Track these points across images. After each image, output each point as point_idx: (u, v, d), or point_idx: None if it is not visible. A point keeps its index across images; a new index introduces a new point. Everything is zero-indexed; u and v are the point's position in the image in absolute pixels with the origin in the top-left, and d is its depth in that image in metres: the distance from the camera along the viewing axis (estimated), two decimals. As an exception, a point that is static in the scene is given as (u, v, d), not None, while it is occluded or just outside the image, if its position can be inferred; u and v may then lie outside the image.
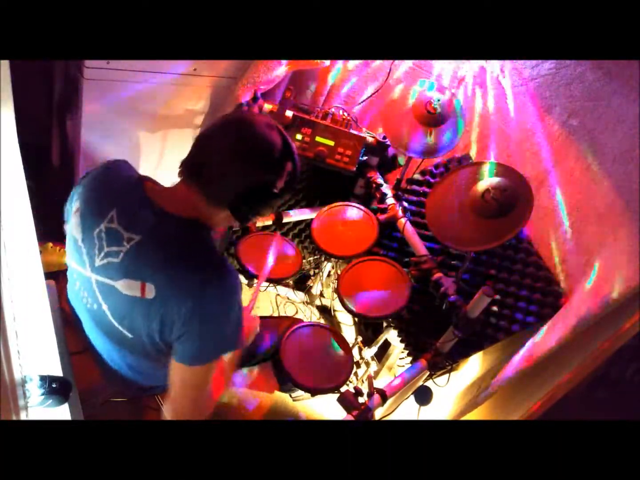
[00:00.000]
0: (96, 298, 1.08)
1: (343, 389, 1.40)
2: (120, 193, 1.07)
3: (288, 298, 2.16)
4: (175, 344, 1.03)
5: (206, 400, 1.07)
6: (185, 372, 1.03)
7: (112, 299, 1.05)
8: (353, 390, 1.38)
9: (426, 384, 1.47)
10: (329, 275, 2.12)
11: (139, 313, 1.02)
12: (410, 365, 1.60)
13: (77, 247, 1.08)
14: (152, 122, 1.78)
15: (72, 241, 1.10)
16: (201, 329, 1.01)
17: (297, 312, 2.14)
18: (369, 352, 1.87)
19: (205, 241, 1.06)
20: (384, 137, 1.76)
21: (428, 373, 1.51)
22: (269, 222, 1.83)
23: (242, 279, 1.77)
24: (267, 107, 1.74)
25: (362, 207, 1.77)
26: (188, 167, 1.05)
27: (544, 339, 1.36)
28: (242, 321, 1.06)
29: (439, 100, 1.63)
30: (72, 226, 1.10)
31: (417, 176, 1.86)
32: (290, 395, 1.60)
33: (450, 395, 1.71)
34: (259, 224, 1.81)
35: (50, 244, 1.74)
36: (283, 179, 1.07)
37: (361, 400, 1.37)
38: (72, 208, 1.11)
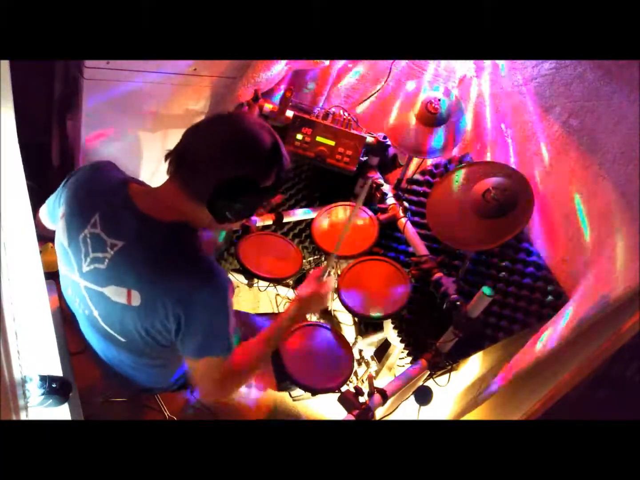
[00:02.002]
0: (87, 304, 1.07)
1: (343, 388, 1.40)
2: (104, 196, 1.05)
3: (288, 298, 2.16)
4: (176, 343, 1.04)
5: (229, 381, 1.10)
6: (194, 363, 1.07)
7: (101, 305, 1.05)
8: (353, 390, 1.38)
9: (426, 384, 1.46)
10: (329, 275, 2.12)
11: (128, 319, 1.02)
12: (410, 365, 1.60)
13: (65, 252, 1.08)
14: (152, 122, 1.78)
15: (60, 246, 1.09)
16: (196, 329, 1.01)
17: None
18: (369, 352, 1.87)
19: (191, 245, 1.03)
20: (384, 137, 1.76)
21: (428, 373, 1.51)
22: (269, 222, 1.83)
23: (242, 279, 1.77)
24: (267, 107, 1.74)
25: (362, 207, 1.77)
26: (172, 155, 1.03)
27: (544, 339, 1.36)
28: (232, 318, 1.07)
29: (440, 100, 1.63)
30: (59, 231, 1.09)
31: (417, 176, 1.86)
32: (290, 395, 1.60)
33: (450, 395, 1.71)
34: (259, 223, 1.81)
35: (50, 244, 1.72)
36: (268, 181, 1.05)
37: (361, 400, 1.37)
38: (59, 212, 1.10)
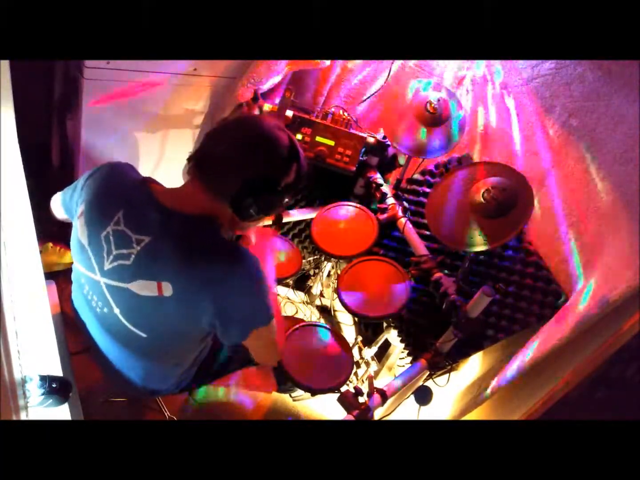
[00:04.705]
0: (107, 302, 1.07)
1: (343, 388, 1.40)
2: (126, 195, 1.07)
3: (288, 298, 2.16)
4: (217, 329, 1.06)
5: (277, 349, 1.19)
6: (244, 343, 1.10)
7: (124, 302, 1.05)
8: (353, 390, 1.38)
9: (426, 384, 1.46)
10: (329, 275, 2.12)
11: (158, 311, 1.02)
12: (410, 365, 1.60)
13: (84, 251, 1.08)
14: (152, 122, 1.78)
15: (78, 245, 1.09)
16: (234, 314, 1.04)
17: (297, 312, 2.14)
18: (369, 352, 1.87)
19: (216, 233, 1.06)
20: (384, 137, 1.76)
21: (428, 373, 1.51)
22: (269, 222, 1.83)
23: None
24: (267, 107, 1.74)
25: (362, 207, 1.77)
26: (195, 156, 1.06)
27: (544, 339, 1.36)
28: (269, 287, 1.10)
29: (438, 100, 1.63)
30: (77, 230, 1.09)
31: (417, 176, 1.86)
32: (290, 395, 1.60)
33: (450, 395, 1.71)
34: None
35: (50, 244, 1.73)
36: (288, 179, 1.07)
37: (361, 400, 1.37)
38: (77, 211, 1.11)
